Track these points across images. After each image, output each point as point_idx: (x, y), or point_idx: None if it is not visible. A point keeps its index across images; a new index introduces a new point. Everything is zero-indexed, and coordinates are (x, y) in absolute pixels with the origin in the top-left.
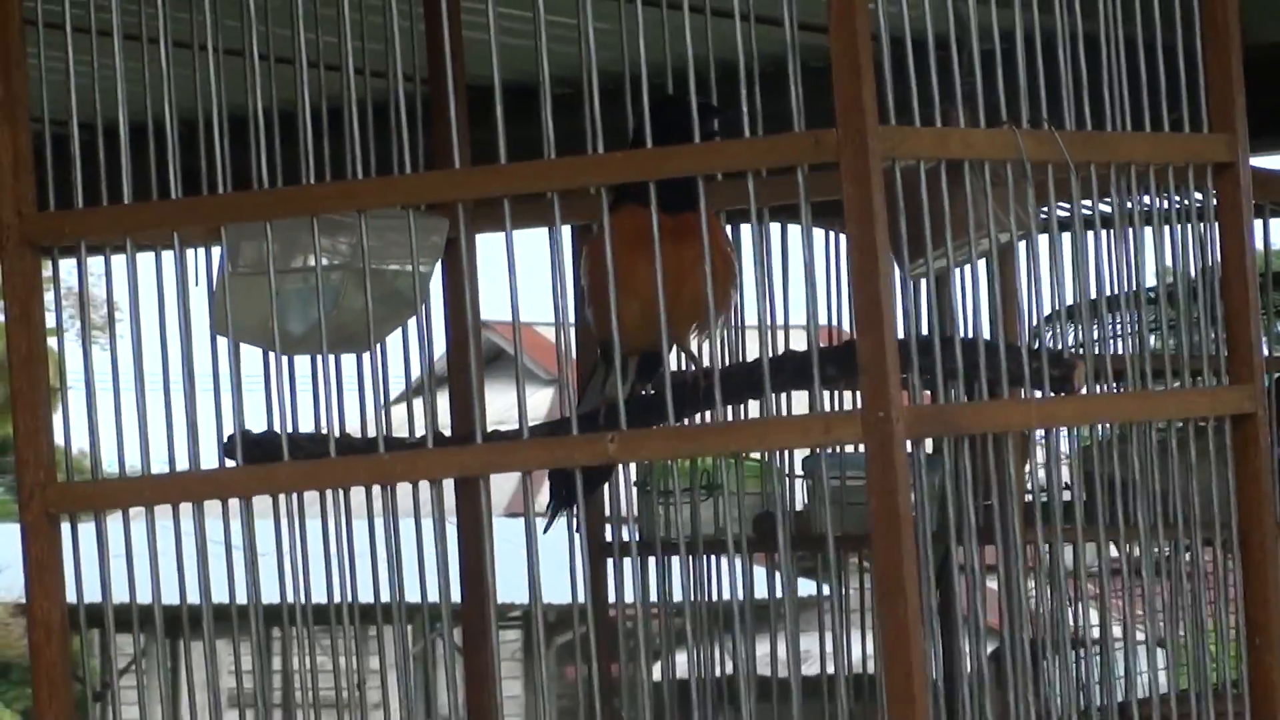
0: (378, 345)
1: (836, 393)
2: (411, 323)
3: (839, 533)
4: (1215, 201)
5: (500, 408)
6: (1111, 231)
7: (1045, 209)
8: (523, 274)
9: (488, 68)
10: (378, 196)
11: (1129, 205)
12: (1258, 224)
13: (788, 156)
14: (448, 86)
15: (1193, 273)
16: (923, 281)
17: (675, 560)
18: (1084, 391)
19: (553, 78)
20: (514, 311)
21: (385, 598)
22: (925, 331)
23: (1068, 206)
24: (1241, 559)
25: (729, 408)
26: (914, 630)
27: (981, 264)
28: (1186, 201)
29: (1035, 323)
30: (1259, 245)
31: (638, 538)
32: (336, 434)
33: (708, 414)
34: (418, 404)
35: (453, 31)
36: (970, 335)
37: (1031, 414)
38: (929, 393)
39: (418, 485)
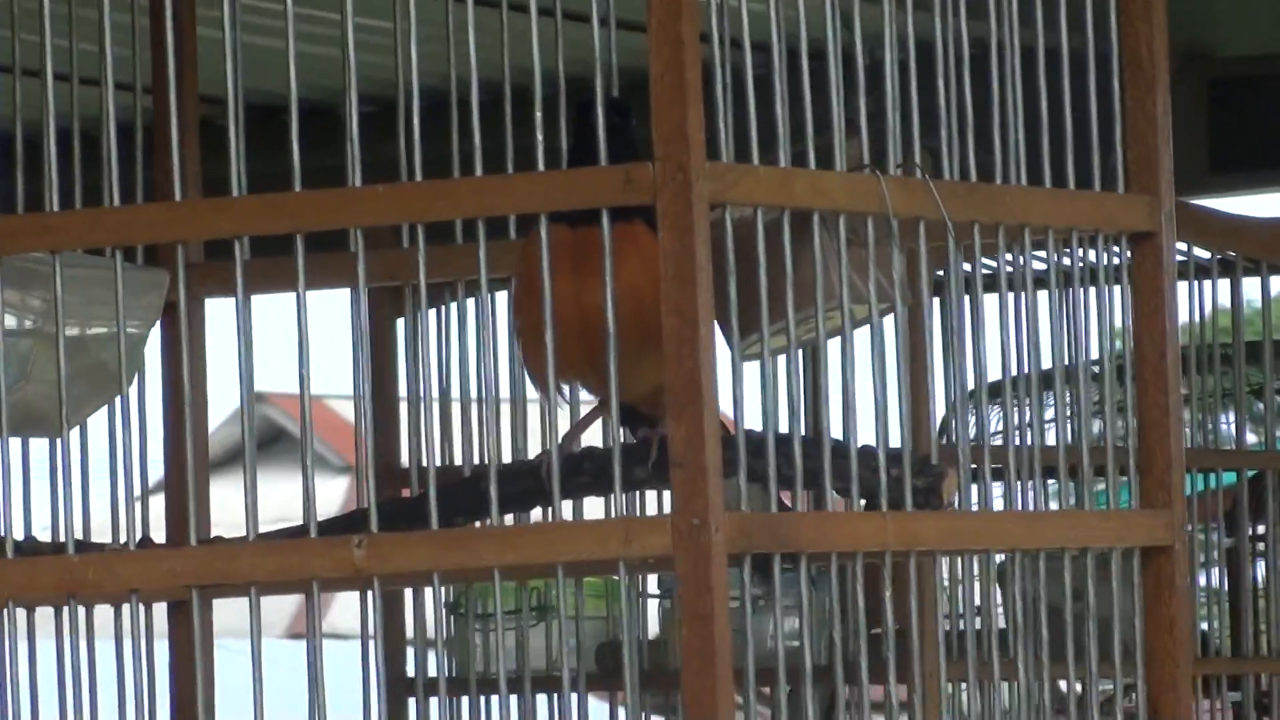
0: (75, 428)
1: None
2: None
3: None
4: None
5: (280, 500)
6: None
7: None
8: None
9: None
10: (77, 234)
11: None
12: (1225, 284)
13: (589, 196)
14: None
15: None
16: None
17: (495, 700)
18: (955, 506)
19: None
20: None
21: None
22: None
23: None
24: None
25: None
26: None
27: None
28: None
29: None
30: (1229, 303)
31: (449, 672)
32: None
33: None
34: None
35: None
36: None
37: (888, 532)
38: None
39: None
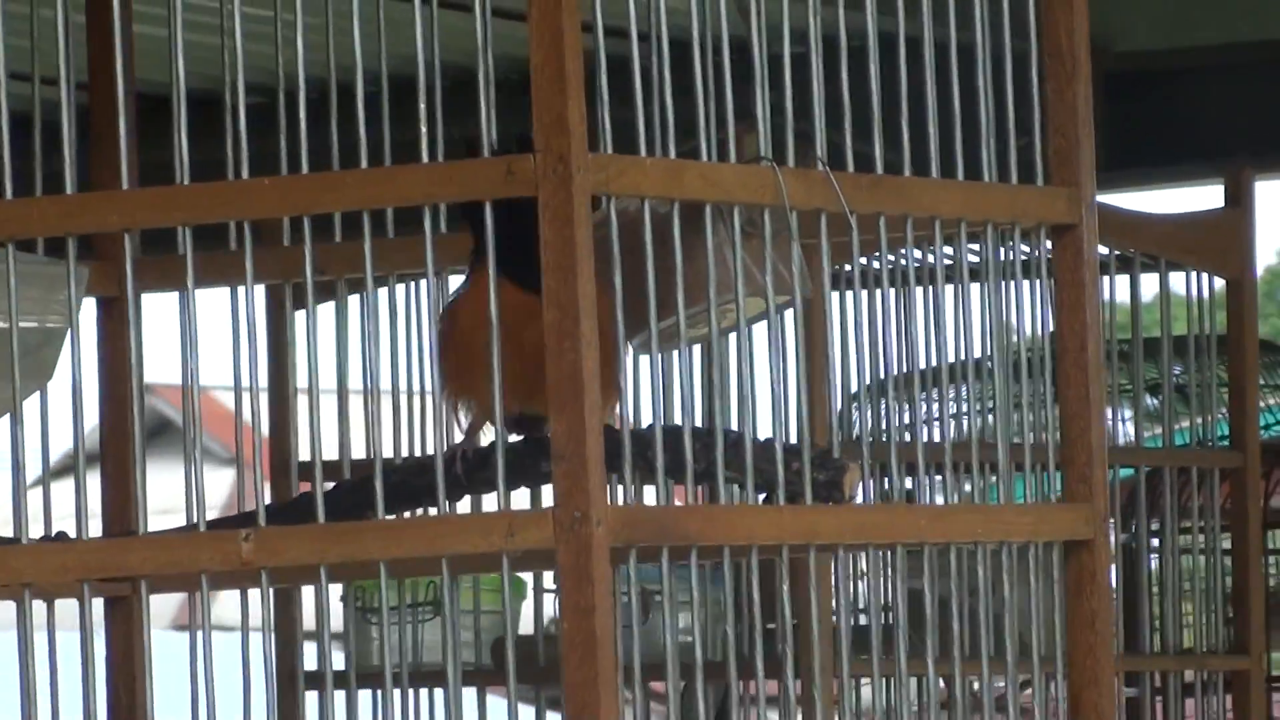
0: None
1: None
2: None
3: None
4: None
5: (167, 492)
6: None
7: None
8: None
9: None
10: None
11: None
12: (1124, 280)
13: (471, 188)
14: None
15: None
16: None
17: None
18: (857, 500)
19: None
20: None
21: None
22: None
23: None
24: None
25: None
26: None
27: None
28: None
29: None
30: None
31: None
32: None
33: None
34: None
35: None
36: (707, 425)
37: (784, 526)
38: None
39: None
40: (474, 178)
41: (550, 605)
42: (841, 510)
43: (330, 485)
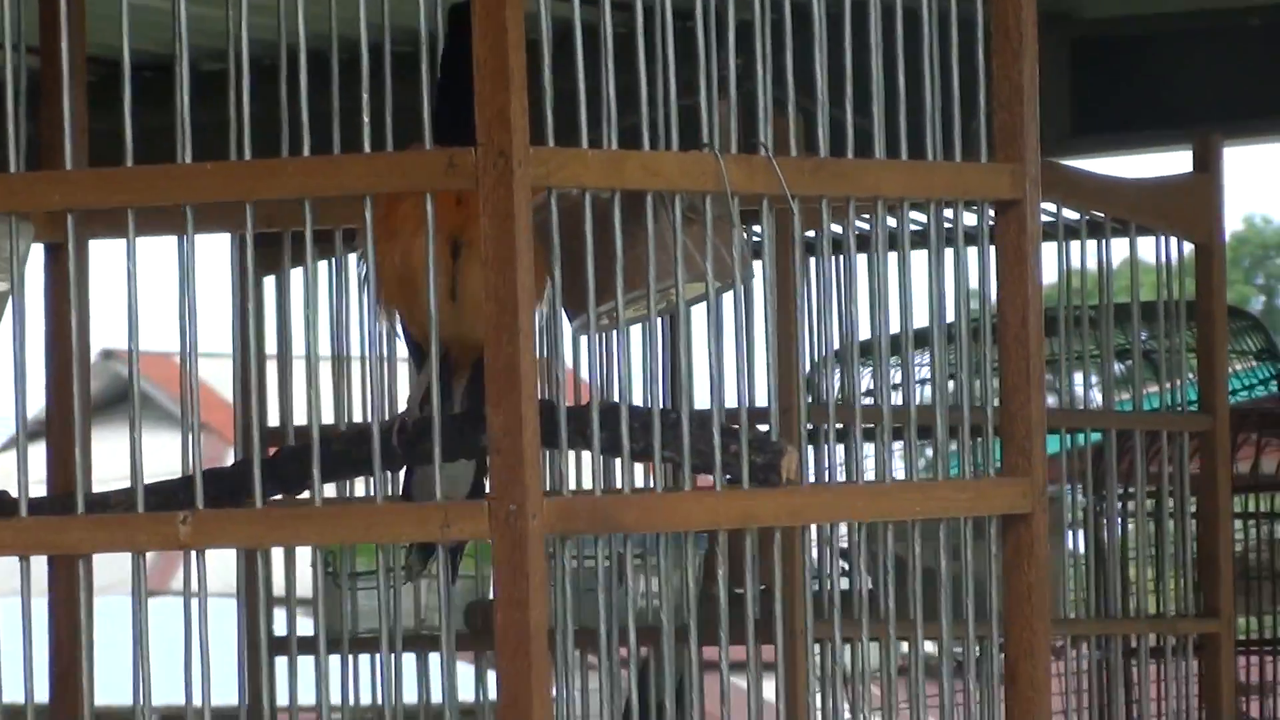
0: None
1: None
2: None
3: (577, 626)
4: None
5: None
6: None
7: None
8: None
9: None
10: None
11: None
12: (1093, 245)
13: (412, 179)
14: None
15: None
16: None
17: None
18: (793, 481)
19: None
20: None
21: None
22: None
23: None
24: (1006, 691)
25: None
26: None
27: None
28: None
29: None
30: (1096, 267)
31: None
32: None
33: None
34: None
35: None
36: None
37: (719, 511)
38: None
39: None
40: (415, 169)
41: None
42: (777, 493)
43: (271, 451)
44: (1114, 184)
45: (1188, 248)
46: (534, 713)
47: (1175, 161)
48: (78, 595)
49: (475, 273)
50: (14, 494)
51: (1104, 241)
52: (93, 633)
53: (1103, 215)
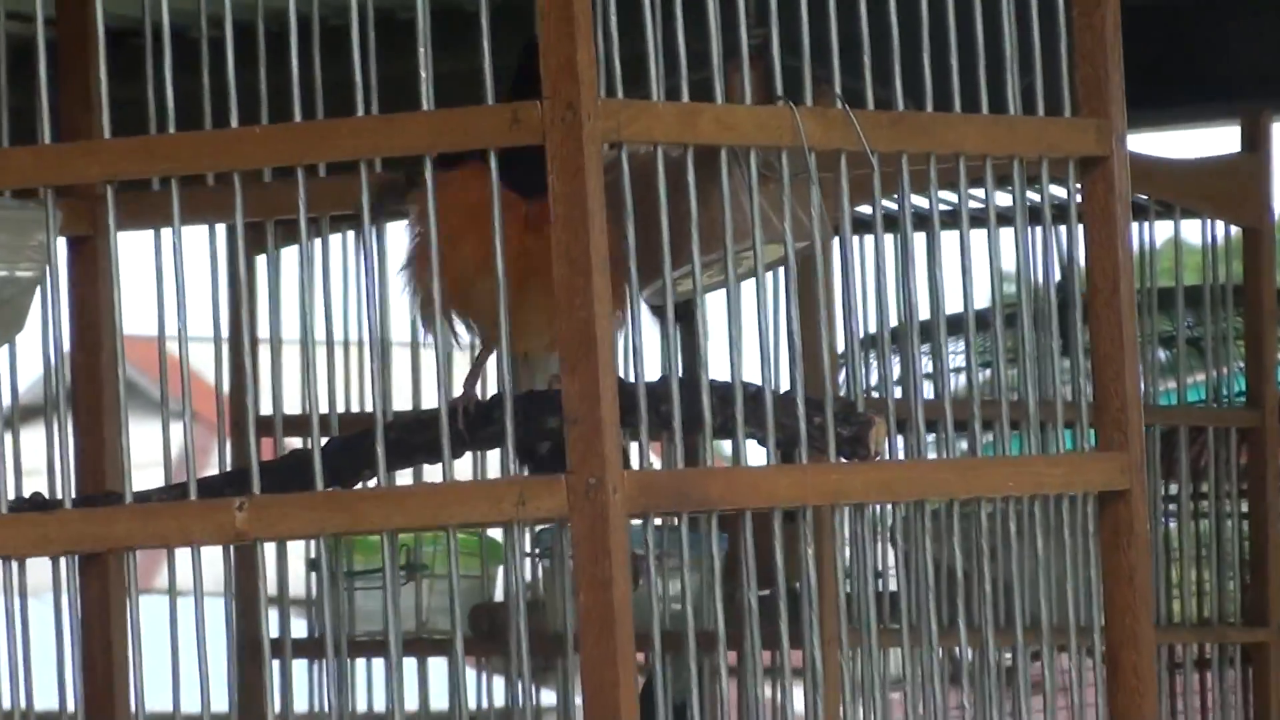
0: None
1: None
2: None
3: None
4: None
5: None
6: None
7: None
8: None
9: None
10: None
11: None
12: (1136, 227)
13: (474, 136)
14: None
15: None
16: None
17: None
18: (883, 456)
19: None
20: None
21: None
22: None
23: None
24: (1108, 683)
25: None
26: None
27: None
28: (1040, 198)
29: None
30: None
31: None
32: None
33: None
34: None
35: None
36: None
37: (807, 486)
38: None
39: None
40: (477, 125)
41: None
42: (868, 467)
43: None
44: (1158, 164)
45: (1235, 231)
46: (621, 703)
47: (1223, 139)
48: (109, 596)
49: (541, 300)
50: (46, 495)
51: (1147, 224)
52: (140, 633)
53: (1145, 197)
